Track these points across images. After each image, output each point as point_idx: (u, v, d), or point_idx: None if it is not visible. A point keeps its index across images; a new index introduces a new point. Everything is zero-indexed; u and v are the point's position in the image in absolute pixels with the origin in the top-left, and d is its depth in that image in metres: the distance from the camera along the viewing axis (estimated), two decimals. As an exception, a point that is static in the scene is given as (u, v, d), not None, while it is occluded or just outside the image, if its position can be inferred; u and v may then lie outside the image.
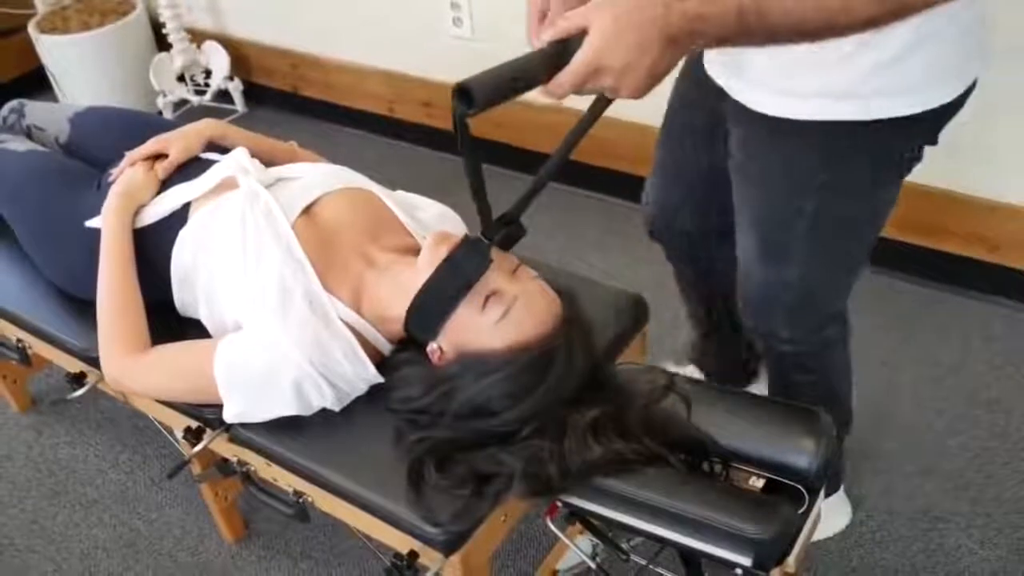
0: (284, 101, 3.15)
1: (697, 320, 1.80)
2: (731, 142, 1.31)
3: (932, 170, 2.01)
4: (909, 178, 2.08)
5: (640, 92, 0.97)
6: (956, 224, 2.07)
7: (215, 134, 1.54)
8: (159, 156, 1.51)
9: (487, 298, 1.17)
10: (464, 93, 0.96)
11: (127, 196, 1.43)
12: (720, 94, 1.27)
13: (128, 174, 1.47)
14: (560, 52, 0.98)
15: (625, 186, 2.43)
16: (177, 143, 1.50)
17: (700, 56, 1.32)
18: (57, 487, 1.90)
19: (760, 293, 1.39)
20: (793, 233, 1.29)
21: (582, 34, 0.95)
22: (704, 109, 1.36)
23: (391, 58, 2.79)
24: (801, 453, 1.16)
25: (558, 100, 1.00)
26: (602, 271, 2.27)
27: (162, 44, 3.11)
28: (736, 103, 1.24)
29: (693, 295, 1.76)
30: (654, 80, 0.97)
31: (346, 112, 3.01)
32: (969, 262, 2.10)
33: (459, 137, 1.06)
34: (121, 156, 1.59)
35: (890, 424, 1.86)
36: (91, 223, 1.45)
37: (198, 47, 3.08)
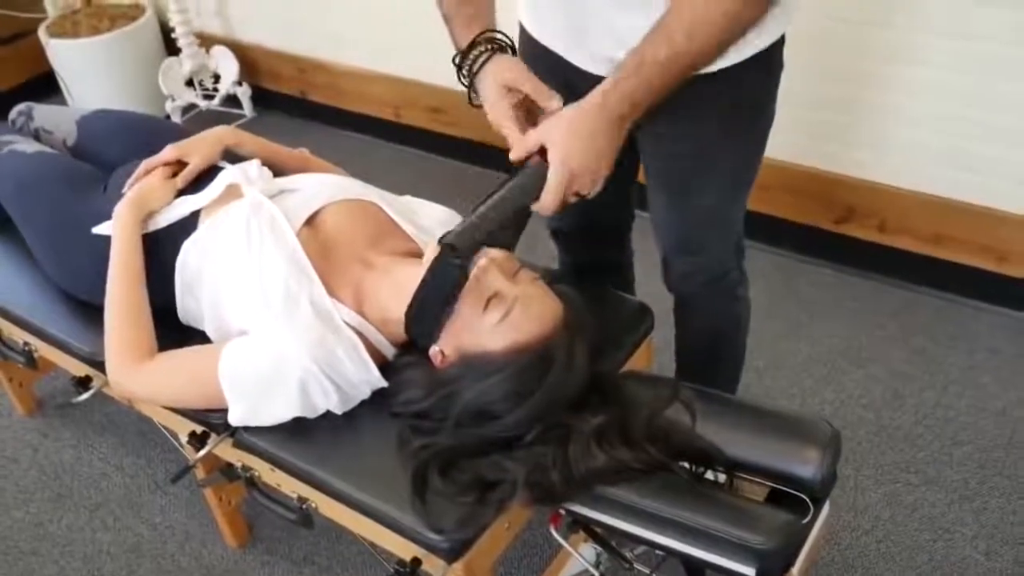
0: (292, 106, 3.16)
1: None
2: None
3: (939, 180, 2.03)
4: (917, 188, 2.10)
5: (608, 172, 1.12)
6: (964, 234, 2.07)
7: (231, 141, 1.55)
8: (175, 163, 1.52)
9: (488, 300, 1.17)
10: (451, 248, 1.09)
11: (140, 203, 1.43)
12: None
13: (145, 181, 1.48)
14: (534, 174, 1.10)
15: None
16: (197, 151, 1.50)
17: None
18: (62, 490, 1.91)
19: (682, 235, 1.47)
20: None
21: (542, 151, 1.08)
22: None
23: (398, 63, 2.80)
24: (805, 463, 1.16)
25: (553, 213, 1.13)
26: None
27: (171, 49, 3.13)
28: None
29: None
30: (614, 157, 1.11)
31: (353, 117, 3.02)
32: (976, 272, 2.09)
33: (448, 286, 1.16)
34: (129, 159, 1.60)
35: (895, 434, 1.85)
36: (98, 229, 1.46)
37: (207, 52, 3.09)
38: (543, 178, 1.10)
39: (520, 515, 1.26)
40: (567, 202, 1.14)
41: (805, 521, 1.13)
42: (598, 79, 1.13)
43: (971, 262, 2.09)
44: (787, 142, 2.19)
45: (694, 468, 1.22)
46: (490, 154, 2.72)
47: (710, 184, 1.36)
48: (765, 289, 2.24)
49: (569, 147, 1.09)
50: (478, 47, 1.21)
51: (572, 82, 1.23)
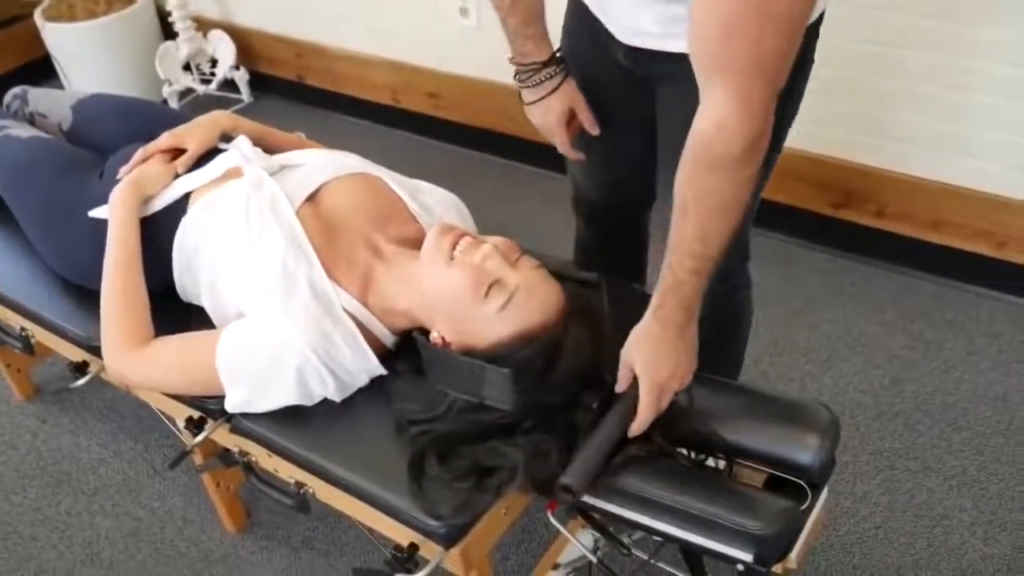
0: (289, 90, 3.15)
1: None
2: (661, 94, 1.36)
3: (938, 165, 2.02)
4: (917, 172, 2.09)
5: (693, 366, 1.16)
6: (963, 220, 2.06)
7: (228, 126, 1.54)
8: (173, 150, 1.51)
9: (489, 287, 1.16)
10: (566, 489, 1.10)
11: (137, 188, 1.42)
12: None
13: (143, 167, 1.47)
14: (627, 399, 1.14)
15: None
16: (194, 137, 1.50)
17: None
18: (60, 476, 1.91)
19: None
20: None
21: (632, 375, 1.14)
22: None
23: (397, 48, 2.78)
24: (804, 448, 1.15)
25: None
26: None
27: (168, 33, 3.11)
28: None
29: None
30: (694, 353, 1.16)
31: (351, 102, 3.01)
32: (976, 258, 2.09)
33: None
34: (125, 145, 1.59)
35: (894, 420, 1.85)
36: (95, 213, 1.45)
37: (204, 36, 3.07)
38: (635, 399, 1.13)
39: (518, 501, 1.25)
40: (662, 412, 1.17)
41: (803, 507, 1.13)
42: (626, 47, 1.26)
43: (970, 248, 2.08)
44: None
45: (693, 454, 1.22)
46: (488, 139, 2.71)
47: None
48: (762, 274, 2.20)
49: (650, 364, 1.13)
50: (553, 65, 1.38)
51: (603, 43, 1.31)
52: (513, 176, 2.67)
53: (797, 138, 2.16)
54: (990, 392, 1.89)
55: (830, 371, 1.97)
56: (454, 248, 1.20)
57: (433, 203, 1.43)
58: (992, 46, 1.84)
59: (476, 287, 1.17)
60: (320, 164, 1.43)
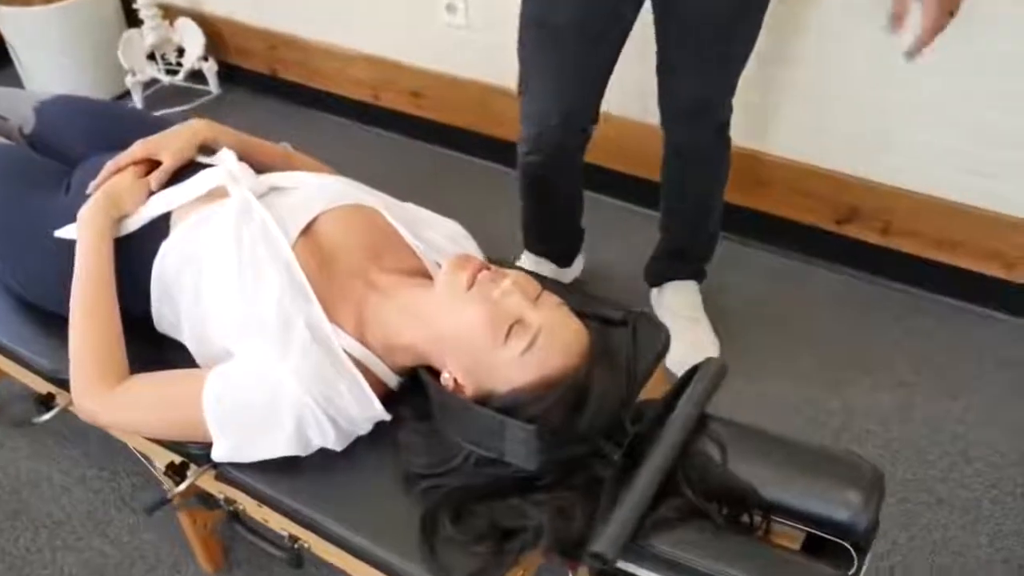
0: (261, 84, 2.99)
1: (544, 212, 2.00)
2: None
3: (947, 182, 1.95)
4: (926, 190, 2.02)
5: None
6: (971, 239, 1.99)
7: (208, 136, 1.40)
8: (147, 162, 1.37)
9: (510, 328, 1.06)
10: (598, 557, 1.00)
11: (109, 205, 1.29)
12: None
13: (114, 181, 1.33)
14: (658, 458, 1.06)
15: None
16: (170, 148, 1.36)
17: None
18: (18, 506, 1.76)
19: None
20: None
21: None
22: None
23: (377, 42, 2.64)
24: (847, 507, 1.07)
25: None
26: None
27: (132, 20, 2.93)
28: None
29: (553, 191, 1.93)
30: None
31: (328, 98, 2.86)
32: (985, 279, 2.03)
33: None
34: (93, 152, 1.45)
35: (903, 449, 1.78)
36: (61, 233, 1.31)
37: (170, 24, 2.90)
38: (667, 455, 1.06)
39: (533, 559, 1.15)
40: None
41: (849, 574, 1.04)
42: None
43: (980, 268, 2.02)
44: (789, 138, 2.11)
45: (724, 510, 1.13)
46: (472, 140, 2.59)
47: (738, 38, 1.62)
48: (765, 290, 2.16)
49: None
50: None
51: None
52: (498, 180, 2.55)
53: (801, 151, 2.11)
54: (1000, 420, 1.83)
55: (836, 395, 1.90)
56: (472, 283, 1.10)
57: (436, 236, 1.32)
58: (1005, 58, 1.77)
59: (496, 327, 1.06)
60: (313, 192, 1.30)
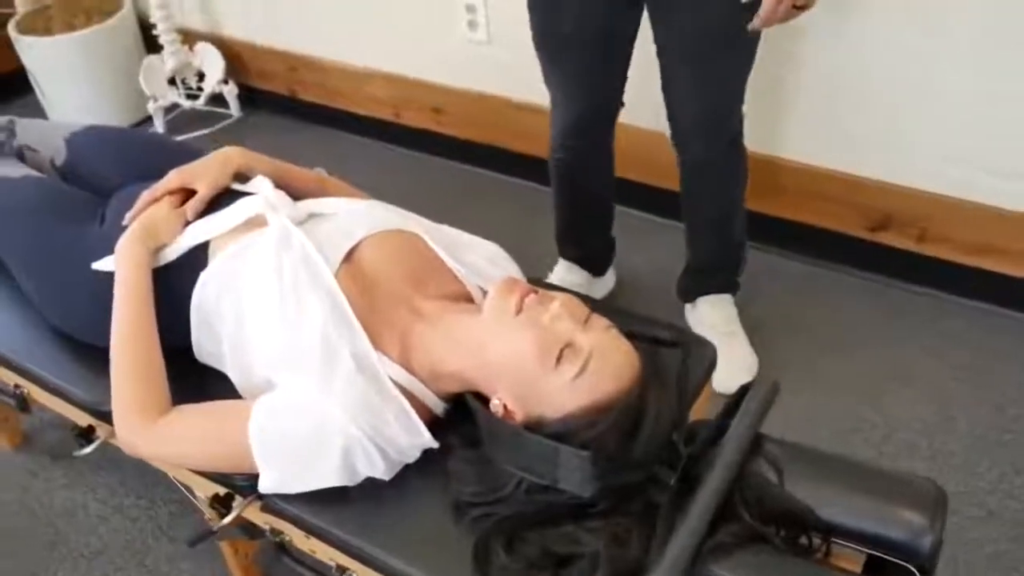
0: (282, 106, 2.99)
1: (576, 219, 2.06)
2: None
3: (984, 187, 1.92)
4: (960, 195, 2.00)
5: None
6: (1012, 245, 1.96)
7: (242, 164, 1.39)
8: (182, 191, 1.36)
9: (561, 352, 1.04)
10: None
11: (146, 236, 1.28)
12: None
13: (150, 211, 1.32)
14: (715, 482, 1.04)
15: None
16: (205, 177, 1.35)
17: None
18: (56, 537, 1.75)
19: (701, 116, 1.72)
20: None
21: None
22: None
23: (397, 60, 2.64)
24: (910, 528, 1.05)
25: None
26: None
27: (152, 46, 2.94)
28: None
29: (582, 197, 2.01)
30: None
31: (349, 118, 2.86)
32: (1021, 283, 1.99)
33: None
34: (126, 183, 1.45)
35: (950, 460, 1.75)
36: (99, 265, 1.30)
37: (190, 49, 2.91)
38: (721, 483, 1.03)
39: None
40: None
41: (915, 597, 1.02)
42: None
43: (1020, 274, 1.98)
44: (817, 143, 2.08)
45: (782, 533, 1.10)
46: (496, 156, 2.58)
47: (737, 48, 1.61)
48: (795, 300, 2.13)
49: None
50: None
51: None
52: (524, 195, 2.53)
53: (828, 156, 2.09)
54: (1049, 428, 1.80)
55: (875, 407, 1.87)
56: (520, 307, 1.08)
57: (478, 259, 1.30)
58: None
59: (547, 352, 1.04)
60: (353, 217, 1.29)
